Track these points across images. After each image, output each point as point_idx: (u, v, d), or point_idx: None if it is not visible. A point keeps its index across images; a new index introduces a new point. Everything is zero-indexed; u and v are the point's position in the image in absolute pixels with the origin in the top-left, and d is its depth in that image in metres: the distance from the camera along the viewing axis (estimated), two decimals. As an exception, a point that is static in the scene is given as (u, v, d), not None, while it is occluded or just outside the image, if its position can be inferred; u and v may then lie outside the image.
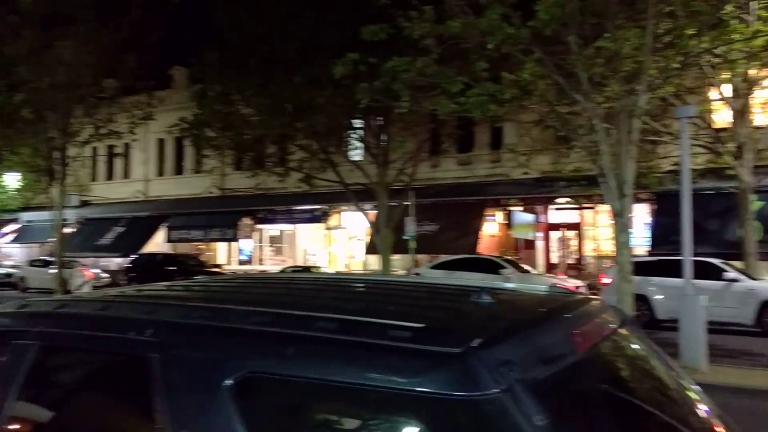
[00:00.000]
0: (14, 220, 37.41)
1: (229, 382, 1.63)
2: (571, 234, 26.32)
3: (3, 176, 32.54)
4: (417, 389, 1.49)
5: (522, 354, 1.63)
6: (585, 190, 18.60)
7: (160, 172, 36.05)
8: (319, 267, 28.49)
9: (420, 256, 23.84)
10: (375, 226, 21.45)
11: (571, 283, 18.84)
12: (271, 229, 32.74)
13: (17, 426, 2.02)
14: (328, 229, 30.68)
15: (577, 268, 25.28)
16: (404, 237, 21.04)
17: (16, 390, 2.01)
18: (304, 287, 2.85)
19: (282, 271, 24.63)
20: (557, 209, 25.70)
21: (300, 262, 30.26)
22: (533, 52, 11.10)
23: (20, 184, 33.42)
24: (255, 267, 31.46)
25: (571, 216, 25.80)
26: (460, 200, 25.02)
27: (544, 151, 19.29)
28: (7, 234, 38.07)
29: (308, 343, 1.64)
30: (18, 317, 2.34)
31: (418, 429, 1.57)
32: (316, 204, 28.39)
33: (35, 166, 22.69)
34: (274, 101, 18.48)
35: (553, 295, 2.45)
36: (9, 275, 31.62)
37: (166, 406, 1.70)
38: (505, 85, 11.46)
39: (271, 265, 31.39)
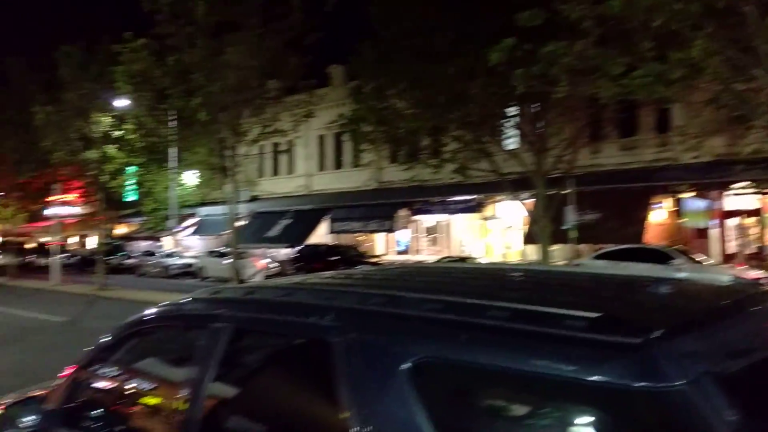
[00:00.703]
0: (193, 215, 40.71)
1: (406, 365, 1.70)
2: (750, 221, 24.18)
3: (183, 174, 35.59)
4: (593, 379, 1.48)
5: (708, 346, 1.57)
6: (767, 173, 17.02)
7: (322, 167, 37.67)
8: (474, 258, 28.43)
9: (581, 246, 23.06)
10: (533, 216, 21.02)
11: (752, 274, 17.36)
12: (427, 220, 33.13)
13: (215, 402, 2.23)
14: (484, 219, 30.51)
15: (757, 258, 23.16)
16: (564, 227, 20.43)
17: (213, 369, 2.22)
18: (468, 276, 2.88)
19: (438, 261, 24.83)
20: (734, 195, 23.70)
21: (456, 253, 30.37)
22: (704, 27, 10.32)
23: (198, 181, 36.43)
24: (412, 257, 31.99)
25: (751, 202, 23.69)
26: (624, 187, 23.79)
27: (717, 132, 17.86)
28: (187, 227, 41.45)
29: (483, 330, 1.67)
30: (212, 302, 2.58)
31: (593, 418, 1.55)
32: (471, 194, 28.29)
33: (210, 164, 24.54)
34: (427, 94, 18.65)
35: (737, 286, 2.29)
36: (189, 265, 34.56)
37: (346, 387, 1.80)
38: (672, 64, 10.75)
39: (427, 255, 31.77)
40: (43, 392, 3.25)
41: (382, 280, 2.80)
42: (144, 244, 41.43)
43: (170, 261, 35.70)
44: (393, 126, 20.87)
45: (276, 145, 33.17)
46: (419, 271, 3.31)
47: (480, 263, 20.93)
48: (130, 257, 39.34)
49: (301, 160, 38.15)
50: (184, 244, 40.68)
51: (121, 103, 25.54)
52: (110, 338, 2.92)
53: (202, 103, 20.47)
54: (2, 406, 3.27)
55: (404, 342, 1.77)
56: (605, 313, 1.67)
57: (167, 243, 40.36)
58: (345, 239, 34.11)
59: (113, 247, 38.65)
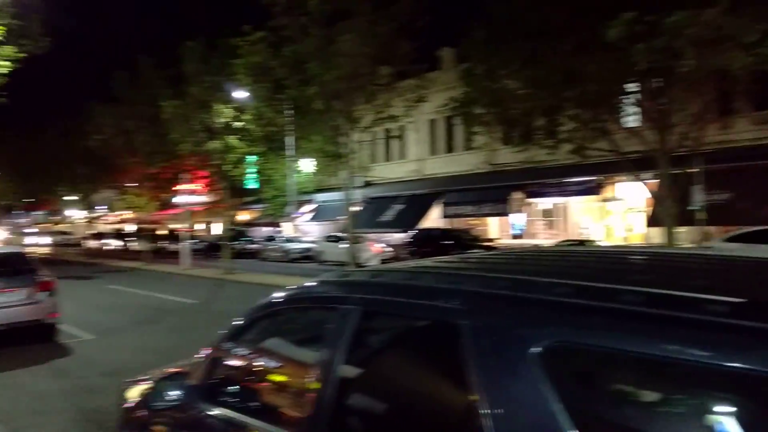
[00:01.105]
0: (310, 201, 41.93)
1: (536, 349, 1.69)
2: None
3: (300, 162, 36.74)
4: (736, 365, 1.41)
5: None
6: None
7: (433, 151, 37.66)
8: (593, 241, 27.52)
9: (710, 229, 21.77)
10: (656, 197, 20.04)
11: None
12: (543, 203, 32.40)
13: (346, 381, 2.30)
14: (603, 201, 29.45)
15: None
16: (691, 208, 19.36)
17: (343, 349, 2.30)
18: (593, 259, 2.80)
19: (557, 245, 24.23)
20: None
21: (573, 236, 29.53)
22: None
23: (315, 168, 37.47)
24: (528, 241, 31.42)
25: None
26: (758, 164, 22.20)
27: None
28: (305, 213, 42.76)
29: (618, 315, 1.64)
30: (341, 285, 2.67)
31: (733, 407, 1.48)
32: (589, 175, 27.36)
33: (326, 151, 25.17)
34: (541, 72, 18.15)
35: None
36: (308, 250, 35.72)
37: (475, 370, 1.81)
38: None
39: (544, 239, 31.11)
40: (185, 369, 3.50)
41: (504, 263, 2.79)
42: (265, 230, 43.11)
43: (290, 246, 36.95)
44: (506, 107, 20.48)
45: (388, 130, 33.51)
46: (540, 254, 3.26)
47: (603, 246, 20.24)
48: (252, 242, 41.09)
49: (413, 145, 38.32)
50: (303, 230, 41.94)
51: (241, 94, 26.64)
52: (243, 320, 3.08)
53: (317, 92, 20.98)
54: (152, 381, 3.57)
55: (534, 326, 1.76)
56: (750, 298, 1.60)
57: (287, 228, 41.78)
58: (458, 223, 34.00)
59: (236, 232, 40.55)
